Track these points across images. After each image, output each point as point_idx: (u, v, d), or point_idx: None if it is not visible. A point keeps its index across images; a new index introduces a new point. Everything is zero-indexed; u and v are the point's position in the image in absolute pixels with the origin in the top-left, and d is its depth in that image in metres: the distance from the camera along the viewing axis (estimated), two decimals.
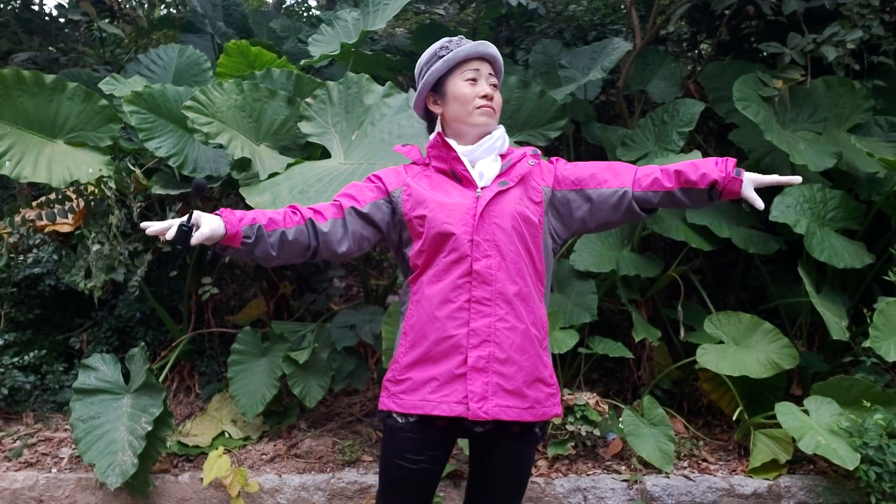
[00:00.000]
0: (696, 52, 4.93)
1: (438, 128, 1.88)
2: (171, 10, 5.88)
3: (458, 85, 1.81)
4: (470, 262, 1.70)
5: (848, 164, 3.45)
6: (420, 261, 1.76)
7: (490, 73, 1.84)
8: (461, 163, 1.79)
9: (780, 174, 3.56)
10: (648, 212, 1.83)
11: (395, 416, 1.73)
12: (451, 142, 1.82)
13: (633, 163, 3.57)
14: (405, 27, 5.82)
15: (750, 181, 1.72)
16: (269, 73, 3.35)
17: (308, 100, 3.11)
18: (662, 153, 3.50)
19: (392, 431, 1.74)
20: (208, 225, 1.59)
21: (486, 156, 1.81)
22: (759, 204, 1.70)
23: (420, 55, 1.91)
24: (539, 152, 1.87)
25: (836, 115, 3.64)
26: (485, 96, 1.80)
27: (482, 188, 1.76)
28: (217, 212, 1.64)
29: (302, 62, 3.73)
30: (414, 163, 1.88)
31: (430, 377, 1.69)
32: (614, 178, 1.79)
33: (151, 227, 1.60)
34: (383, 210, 1.81)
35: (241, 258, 1.74)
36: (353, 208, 1.78)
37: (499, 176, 1.78)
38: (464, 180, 1.78)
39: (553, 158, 1.88)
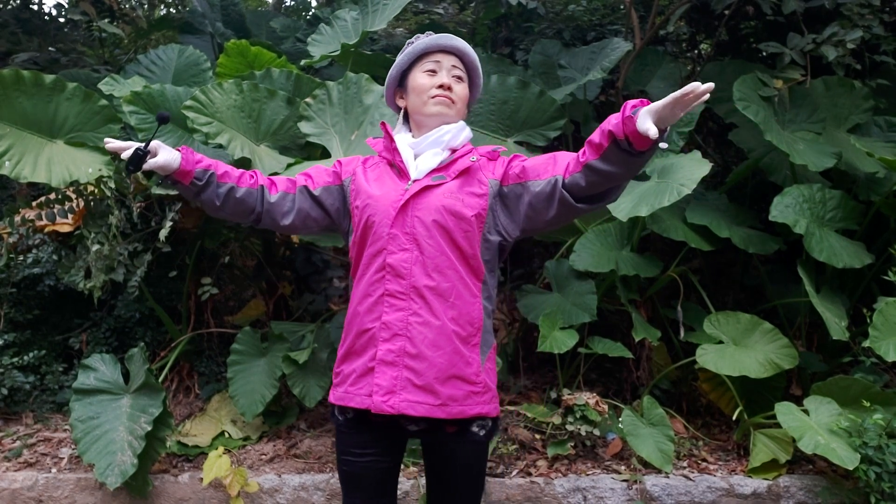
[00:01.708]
0: (696, 52, 4.93)
1: (398, 120, 1.90)
2: (171, 10, 5.88)
3: (417, 77, 1.83)
4: (385, 255, 1.70)
5: (847, 165, 3.46)
6: (353, 253, 1.80)
7: (454, 66, 1.83)
8: (399, 154, 1.80)
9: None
10: (588, 200, 1.65)
11: (336, 412, 1.78)
12: (403, 134, 1.84)
13: None
14: (405, 27, 5.82)
15: (647, 113, 1.45)
16: (268, 73, 3.35)
17: (307, 100, 3.12)
18: (662, 153, 3.50)
19: (337, 427, 1.79)
20: (164, 156, 1.69)
21: (430, 148, 1.79)
22: (652, 132, 1.42)
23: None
24: (501, 149, 1.83)
25: (835, 115, 3.64)
26: (441, 86, 1.79)
27: (413, 181, 1.75)
28: (179, 147, 1.73)
29: (302, 62, 3.73)
30: (379, 154, 1.90)
31: (352, 370, 1.73)
32: (553, 167, 1.69)
33: (111, 143, 1.70)
34: (335, 195, 1.85)
35: (188, 197, 1.81)
36: (306, 187, 1.84)
37: (437, 170, 1.76)
38: (401, 172, 1.78)
39: (514, 154, 1.83)
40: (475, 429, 1.72)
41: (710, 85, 1.41)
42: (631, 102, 1.50)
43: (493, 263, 1.79)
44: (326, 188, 1.85)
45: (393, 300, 1.68)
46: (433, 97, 1.79)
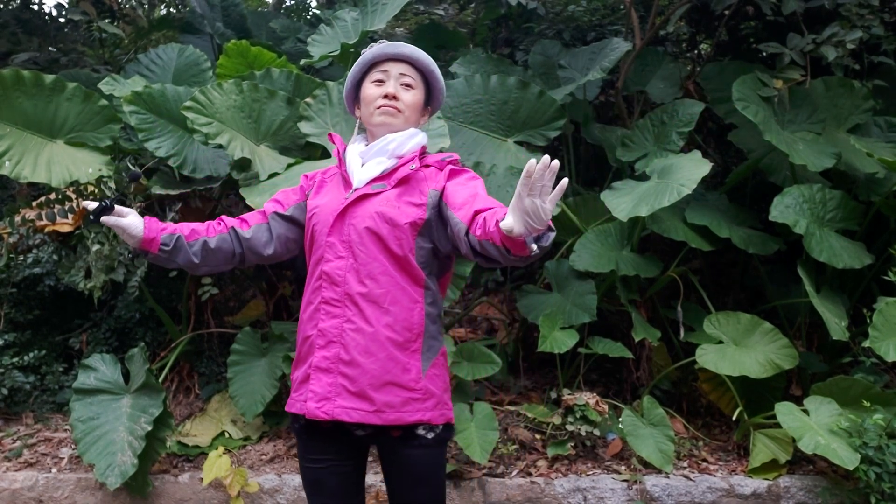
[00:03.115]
0: (696, 52, 4.94)
1: (355, 130, 1.92)
2: (171, 10, 5.88)
3: (367, 87, 1.84)
4: (323, 263, 1.72)
5: (847, 165, 3.46)
6: (308, 262, 1.81)
7: (402, 74, 1.82)
8: (344, 164, 1.82)
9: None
10: (485, 259, 1.56)
11: (292, 419, 1.78)
12: (357, 143, 1.85)
13: (633, 163, 3.62)
14: (405, 27, 5.83)
15: (510, 211, 1.38)
16: (268, 73, 3.35)
17: (308, 100, 3.12)
18: (662, 153, 3.50)
19: (295, 434, 1.81)
20: (130, 219, 1.71)
21: (375, 157, 1.79)
22: (506, 226, 1.36)
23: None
24: (452, 158, 1.81)
25: (835, 115, 3.64)
26: (386, 96, 1.79)
27: (354, 189, 1.75)
28: (145, 217, 1.75)
29: (302, 62, 3.73)
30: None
31: (296, 377, 1.76)
32: (466, 212, 1.61)
33: (85, 203, 1.73)
34: (305, 211, 1.86)
35: (162, 264, 1.81)
36: (276, 212, 1.86)
37: (378, 178, 1.76)
38: (347, 181, 1.80)
39: (461, 169, 1.79)
40: (422, 431, 1.70)
41: (548, 159, 1.29)
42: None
43: (432, 269, 1.77)
44: (297, 206, 1.86)
45: (329, 307, 1.70)
46: (378, 107, 1.80)
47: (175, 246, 1.75)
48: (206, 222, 1.84)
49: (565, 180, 1.33)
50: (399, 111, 1.80)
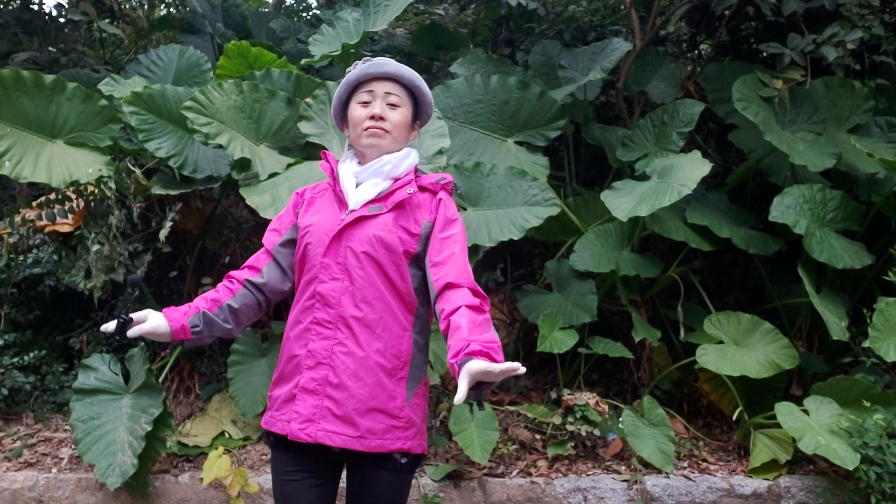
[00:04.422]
0: (696, 52, 4.94)
1: (345, 147, 1.90)
2: (171, 10, 5.88)
3: (353, 108, 1.82)
4: (316, 283, 1.71)
5: (847, 165, 3.46)
6: (295, 278, 1.81)
7: (388, 92, 1.80)
8: (339, 183, 1.80)
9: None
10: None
11: (267, 435, 1.78)
12: (349, 162, 1.83)
13: (633, 163, 3.62)
14: (405, 28, 5.82)
15: (465, 374, 1.43)
16: (268, 73, 3.35)
17: (308, 100, 3.12)
18: (662, 153, 3.50)
19: (269, 446, 1.80)
20: (153, 321, 1.68)
21: (371, 178, 1.77)
22: (459, 396, 1.42)
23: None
24: (445, 180, 1.80)
25: (835, 115, 3.64)
26: (372, 117, 1.78)
27: (350, 211, 1.74)
28: (163, 309, 1.72)
29: (302, 62, 3.73)
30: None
31: (279, 395, 1.74)
32: (442, 275, 1.66)
33: (104, 326, 1.69)
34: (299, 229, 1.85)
35: (199, 344, 1.80)
36: (275, 243, 1.85)
37: (374, 200, 1.75)
38: (341, 201, 1.78)
39: (448, 204, 1.79)
40: (396, 455, 1.70)
41: (513, 365, 1.38)
42: (470, 349, 1.46)
43: (423, 296, 1.76)
44: (293, 227, 1.85)
45: (320, 328, 1.69)
46: (365, 129, 1.78)
47: (205, 323, 1.74)
48: (219, 286, 1.82)
49: (522, 369, 1.39)
50: (386, 132, 1.78)
